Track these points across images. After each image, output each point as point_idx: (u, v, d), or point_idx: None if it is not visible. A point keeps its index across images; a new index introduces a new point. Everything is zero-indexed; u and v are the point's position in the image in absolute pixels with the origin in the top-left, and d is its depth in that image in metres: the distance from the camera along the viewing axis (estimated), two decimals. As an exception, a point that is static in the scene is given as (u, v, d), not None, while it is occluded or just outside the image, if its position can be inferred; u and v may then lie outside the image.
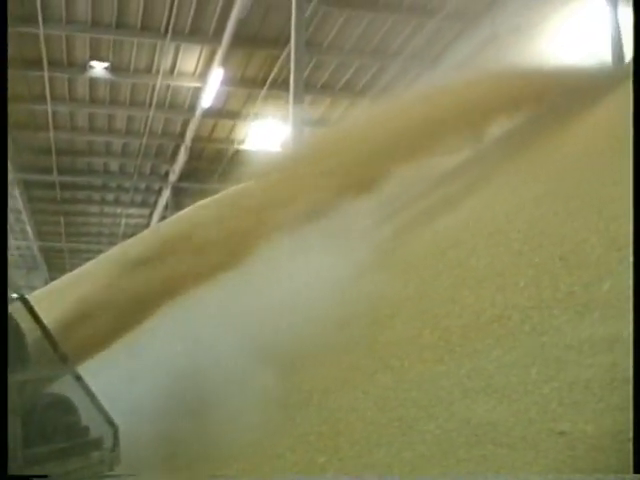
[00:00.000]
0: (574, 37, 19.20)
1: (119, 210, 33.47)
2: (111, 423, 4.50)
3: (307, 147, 11.20)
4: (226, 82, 22.20)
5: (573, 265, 4.85)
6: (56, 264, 38.14)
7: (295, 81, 13.96)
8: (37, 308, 4.44)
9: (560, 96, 9.16)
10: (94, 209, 33.21)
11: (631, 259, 3.69)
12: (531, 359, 4.12)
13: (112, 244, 26.40)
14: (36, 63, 19.95)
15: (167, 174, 29.71)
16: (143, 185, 31.25)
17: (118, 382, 5.53)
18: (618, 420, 3.37)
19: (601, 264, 4.69)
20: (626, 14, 17.03)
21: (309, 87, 20.52)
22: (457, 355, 4.62)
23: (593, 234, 5.09)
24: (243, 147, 26.97)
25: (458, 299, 5.28)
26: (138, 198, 32.74)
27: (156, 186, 31.15)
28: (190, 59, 21.99)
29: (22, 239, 35.58)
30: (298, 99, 14.04)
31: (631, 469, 2.97)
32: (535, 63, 9.97)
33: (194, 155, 27.47)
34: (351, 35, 20.59)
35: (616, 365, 3.69)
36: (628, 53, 15.66)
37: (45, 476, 4.09)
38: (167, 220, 19.92)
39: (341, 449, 4.44)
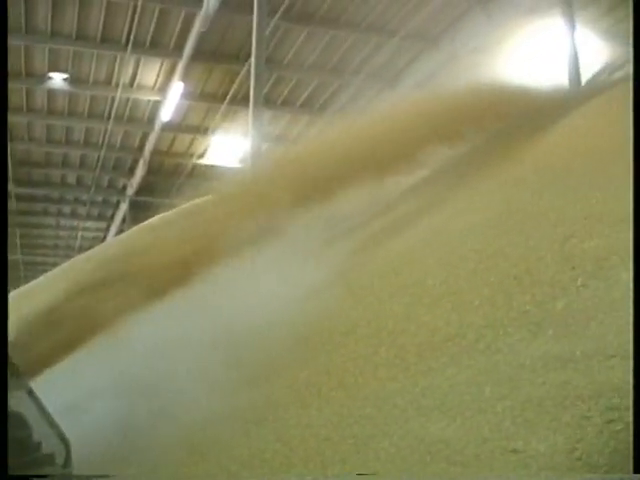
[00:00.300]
0: (532, 58, 19.45)
1: (76, 223, 33.19)
2: (63, 439, 4.45)
3: (266, 164, 11.20)
4: (186, 96, 22.17)
5: (527, 284, 4.90)
6: (11, 276, 37.56)
7: (255, 97, 13.97)
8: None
9: (517, 116, 9.27)
10: (50, 221, 32.88)
11: (631, 263, 3.72)
12: (485, 377, 4.14)
13: (68, 257, 26.14)
14: (-7, 73, 19.74)
15: (125, 187, 29.55)
16: (100, 198, 31.03)
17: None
18: (571, 438, 3.40)
19: (555, 283, 4.74)
20: (583, 36, 17.30)
21: (269, 103, 20.57)
22: (412, 373, 4.63)
23: (547, 253, 5.14)
24: (202, 162, 26.92)
25: (413, 317, 5.30)
26: (95, 211, 32.51)
27: (114, 199, 30.96)
28: (150, 72, 21.92)
29: (-24, 250, 34.99)
30: (257, 115, 14.04)
31: (631, 469, 3.00)
32: (493, 83, 10.07)
33: (152, 169, 27.33)
34: (311, 52, 20.70)
35: (568, 383, 3.73)
36: (585, 74, 15.91)
37: (45, 476, 4.06)
38: (119, 236, 19.74)
39: (295, 466, 4.42)
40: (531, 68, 19.26)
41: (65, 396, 5.73)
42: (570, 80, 15.64)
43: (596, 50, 19.06)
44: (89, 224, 33.37)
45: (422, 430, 4.05)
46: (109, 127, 24.34)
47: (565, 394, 3.67)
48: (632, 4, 4.42)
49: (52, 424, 4.45)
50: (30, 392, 4.48)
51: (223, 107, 22.88)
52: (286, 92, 22.81)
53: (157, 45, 20.33)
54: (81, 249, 30.47)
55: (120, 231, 28.75)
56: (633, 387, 3.21)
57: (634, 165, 3.86)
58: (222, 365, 5.76)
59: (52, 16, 18.12)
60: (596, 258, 4.79)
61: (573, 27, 16.43)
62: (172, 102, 22.23)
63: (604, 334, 3.95)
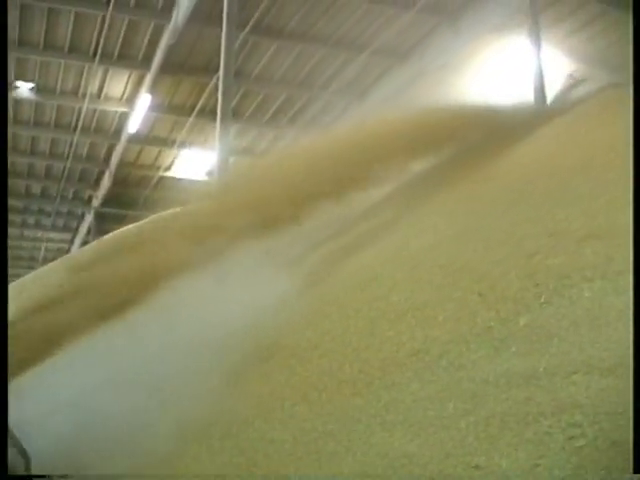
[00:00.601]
0: (499, 75, 19.63)
1: (40, 234, 32.88)
2: (24, 454, 4.41)
3: (231, 178, 11.18)
4: (153, 108, 22.09)
5: (491, 300, 4.92)
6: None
7: (222, 110, 13.93)
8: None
9: (483, 133, 9.33)
10: (14, 232, 32.54)
11: (631, 266, 3.73)
12: (448, 393, 4.15)
13: (31, 268, 25.91)
14: (-42, 81, 19.56)
15: (90, 199, 29.36)
16: (65, 209, 30.80)
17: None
18: (533, 454, 3.42)
19: (518, 300, 4.77)
20: (549, 54, 17.49)
21: (237, 116, 20.56)
22: (375, 388, 4.63)
23: (511, 270, 5.17)
24: (168, 174, 26.82)
25: (378, 333, 5.31)
26: (60, 222, 32.26)
27: (79, 211, 30.75)
28: (118, 83, 21.84)
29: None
30: (225, 128, 14.00)
31: (631, 469, 3.01)
32: (460, 100, 10.14)
33: (118, 180, 27.18)
34: (280, 66, 20.72)
35: (531, 400, 3.75)
36: (550, 93, 16.07)
37: (44, 476, 4.01)
38: (77, 251, 19.60)
39: (258, 481, 4.41)
40: (498, 85, 19.44)
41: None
42: (535, 98, 15.79)
43: (561, 69, 19.28)
44: (53, 235, 33.09)
45: (385, 445, 4.05)
46: (75, 138, 24.19)
47: (528, 410, 3.68)
48: (632, 4, 4.45)
49: (13, 439, 4.41)
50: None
51: (190, 120, 22.83)
52: (254, 105, 22.81)
53: (125, 56, 20.26)
54: (45, 260, 30.23)
55: (85, 243, 28.56)
56: (633, 387, 3.22)
57: (634, 165, 3.88)
58: (185, 379, 5.74)
59: (19, 24, 17.99)
60: (559, 275, 4.83)
61: (539, 46, 16.60)
62: (139, 114, 22.13)
63: (566, 351, 3.98)
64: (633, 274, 3.62)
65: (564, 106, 10.26)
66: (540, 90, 15.96)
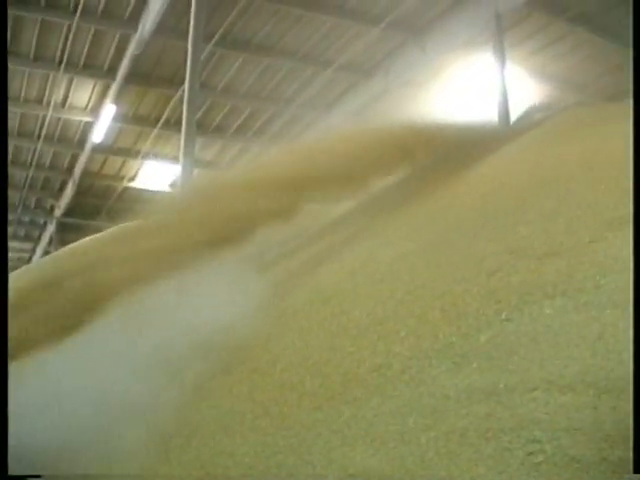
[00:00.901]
0: (464, 93, 19.81)
1: (1, 243, 32.52)
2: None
3: (195, 191, 11.15)
4: (118, 118, 22.04)
5: (453, 316, 4.93)
6: None
7: (187, 122, 13.92)
8: None
9: (446, 151, 9.39)
10: (-26, 241, 32.11)
11: (631, 264, 3.76)
12: (409, 408, 4.16)
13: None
14: None
15: (53, 208, 29.18)
16: (27, 218, 30.58)
17: None
18: (492, 470, 3.43)
19: (480, 316, 4.79)
20: (513, 72, 17.68)
21: (202, 129, 20.59)
22: (336, 403, 4.63)
23: (473, 287, 5.19)
24: (132, 185, 26.75)
25: (339, 347, 5.30)
26: (21, 231, 32.03)
27: (41, 220, 30.55)
28: (83, 93, 21.77)
29: None
30: (189, 140, 13.99)
31: (631, 469, 3.02)
32: (424, 117, 10.21)
33: (81, 190, 27.06)
34: (246, 79, 20.78)
35: (491, 415, 3.76)
36: (514, 111, 16.25)
37: (39, 476, 4.19)
38: (36, 263, 19.43)
39: (217, 495, 4.39)
40: (463, 103, 19.62)
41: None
42: (499, 116, 15.95)
43: (527, 87, 19.50)
44: (15, 244, 32.79)
45: (346, 460, 4.04)
46: (39, 146, 24.07)
47: (488, 426, 3.70)
48: (632, 4, 4.49)
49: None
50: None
51: (155, 131, 22.80)
52: (219, 118, 22.82)
53: (90, 66, 20.21)
54: (5, 270, 29.84)
55: (46, 252, 28.35)
56: (633, 387, 3.24)
57: (634, 166, 3.91)
58: (144, 391, 5.69)
59: (-17, 32, 17.82)
60: (520, 292, 4.86)
61: (504, 64, 16.79)
62: (104, 124, 22.08)
63: (526, 368, 4.00)
64: (633, 274, 3.64)
65: (528, 124, 10.35)
66: (504, 108, 16.17)
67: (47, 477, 4.33)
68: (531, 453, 3.41)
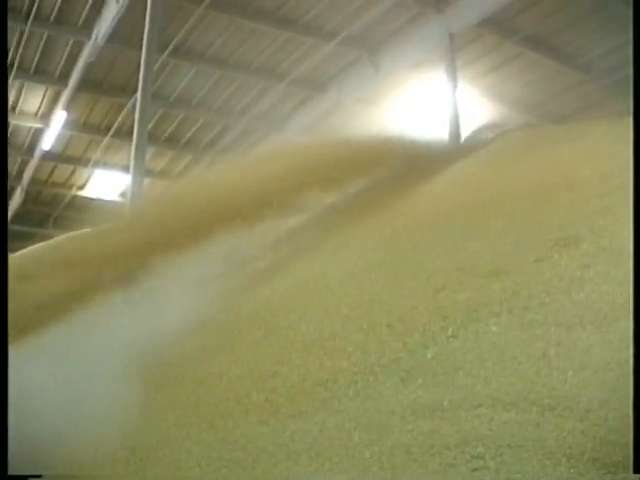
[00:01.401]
0: (416, 111, 19.97)
1: (-56, 249, 31.94)
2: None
3: (143, 202, 11.08)
4: (69, 126, 21.80)
5: (399, 332, 4.96)
6: None
7: (138, 131, 13.83)
8: None
9: (397, 167, 9.45)
10: None
11: (631, 265, 3.77)
12: (355, 423, 4.16)
13: None
14: None
15: None
16: (-28, 225, 30.03)
17: None
18: (436, 485, 3.45)
19: (426, 332, 4.82)
20: (465, 92, 17.87)
21: (153, 139, 20.47)
22: (282, 417, 4.61)
23: (420, 303, 5.23)
24: (82, 193, 26.47)
25: (286, 361, 5.29)
26: (-34, 238, 31.42)
27: (-14, 227, 30.00)
28: (33, 99, 21.52)
29: None
30: (140, 150, 13.89)
31: (631, 469, 3.02)
32: (376, 134, 10.27)
33: (30, 198, 26.71)
34: (199, 90, 20.71)
35: (436, 431, 3.78)
36: (464, 130, 16.42)
37: (39, 476, 4.17)
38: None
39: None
40: (415, 120, 19.78)
41: None
42: (450, 134, 16.10)
43: (476, 107, 19.71)
44: (-41, 251, 32.19)
45: (290, 474, 4.03)
46: (-14, 152, 23.66)
47: (432, 442, 3.71)
48: (632, 5, 4.53)
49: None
50: None
51: (106, 139, 22.60)
52: (171, 129, 22.70)
53: (42, 72, 19.99)
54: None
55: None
56: (633, 387, 3.26)
57: (634, 175, 3.95)
58: (87, 406, 5.62)
59: None
60: (467, 309, 4.90)
61: (455, 83, 16.96)
62: (54, 131, 21.82)
63: (471, 384, 4.03)
64: (633, 276, 3.66)
65: (478, 143, 10.46)
66: (455, 126, 16.31)
67: (48, 477, 4.28)
68: (475, 469, 3.43)
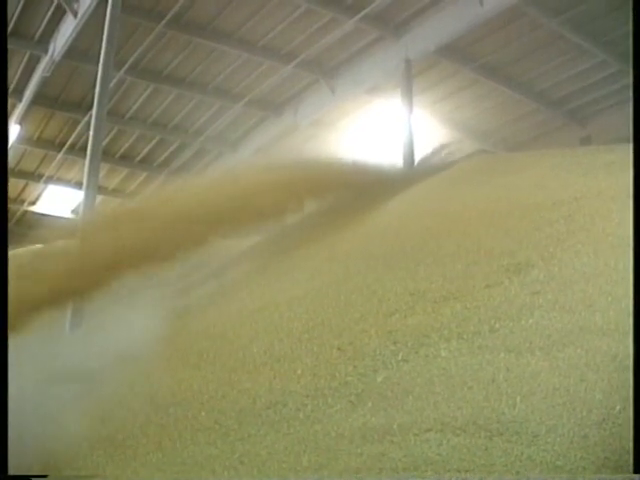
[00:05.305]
0: (371, 135, 20.08)
1: None
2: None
3: (96, 220, 10.95)
4: (22, 140, 21.53)
5: (350, 356, 4.97)
6: None
7: (93, 148, 13.69)
8: None
9: (351, 191, 9.49)
10: None
11: (631, 265, 3.77)
12: (304, 446, 4.15)
13: None
14: None
15: (-53, 229, 28.23)
16: None
17: None
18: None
19: (377, 356, 4.83)
20: (419, 117, 18.01)
21: (107, 156, 20.31)
22: (231, 439, 4.59)
23: (371, 327, 5.24)
24: (33, 209, 26.13)
25: (235, 383, 5.28)
26: None
27: None
28: (-14, 112, 21.16)
29: None
30: (94, 166, 13.75)
31: (631, 469, 3.02)
32: (331, 157, 10.32)
33: (-21, 212, 26.22)
34: (155, 109, 20.61)
35: (385, 455, 3.78)
36: (419, 156, 16.54)
37: (44, 476, 4.16)
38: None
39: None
40: (369, 144, 19.88)
41: None
42: (404, 159, 16.20)
43: (431, 132, 19.88)
44: None
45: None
46: None
47: (381, 466, 3.71)
48: (632, 5, 4.56)
49: None
50: None
51: (60, 155, 22.37)
52: (126, 146, 22.56)
53: (-4, 85, 19.71)
54: None
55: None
56: (633, 387, 3.27)
57: (634, 176, 3.97)
58: (36, 426, 5.53)
59: None
60: (417, 334, 4.93)
61: (411, 108, 17.08)
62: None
63: (421, 408, 4.04)
64: (633, 275, 3.68)
65: (431, 169, 10.56)
66: (409, 152, 16.41)
67: (52, 478, 4.20)
68: (423, 494, 3.43)
